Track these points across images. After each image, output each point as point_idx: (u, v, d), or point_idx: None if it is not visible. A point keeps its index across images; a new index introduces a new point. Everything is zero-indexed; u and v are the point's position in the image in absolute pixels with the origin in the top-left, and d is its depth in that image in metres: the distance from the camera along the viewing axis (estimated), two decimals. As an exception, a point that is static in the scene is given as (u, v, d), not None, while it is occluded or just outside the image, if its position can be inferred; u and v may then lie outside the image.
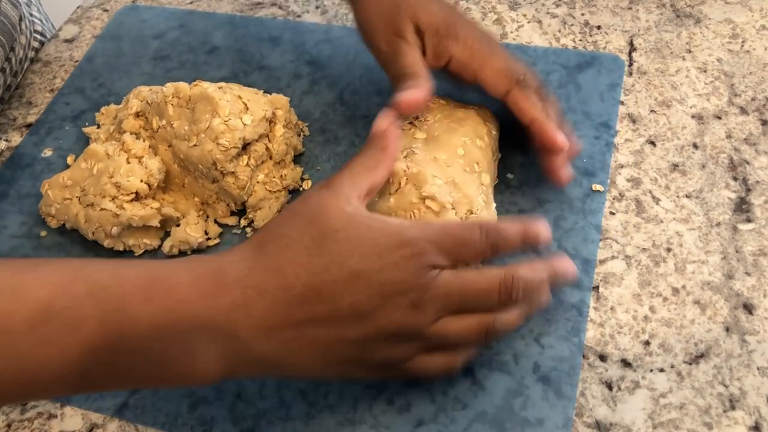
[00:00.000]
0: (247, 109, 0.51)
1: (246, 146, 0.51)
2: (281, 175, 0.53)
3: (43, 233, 0.55)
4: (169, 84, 0.53)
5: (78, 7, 0.74)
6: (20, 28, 0.66)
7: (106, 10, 0.73)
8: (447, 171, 0.46)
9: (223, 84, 0.52)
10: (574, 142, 0.51)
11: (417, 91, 0.48)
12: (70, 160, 0.58)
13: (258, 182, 0.52)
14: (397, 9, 0.51)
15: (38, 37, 0.72)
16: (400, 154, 0.47)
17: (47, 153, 0.60)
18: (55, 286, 0.36)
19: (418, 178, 0.45)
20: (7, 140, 0.62)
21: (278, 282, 0.38)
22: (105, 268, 0.38)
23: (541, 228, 0.43)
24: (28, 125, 0.63)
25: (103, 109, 0.60)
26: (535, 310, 0.44)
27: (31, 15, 0.73)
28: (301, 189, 0.55)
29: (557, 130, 0.49)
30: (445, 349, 0.42)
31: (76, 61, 0.68)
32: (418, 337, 0.40)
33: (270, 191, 0.53)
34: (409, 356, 0.41)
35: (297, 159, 0.57)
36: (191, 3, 0.72)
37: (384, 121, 0.45)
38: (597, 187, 0.52)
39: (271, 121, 0.53)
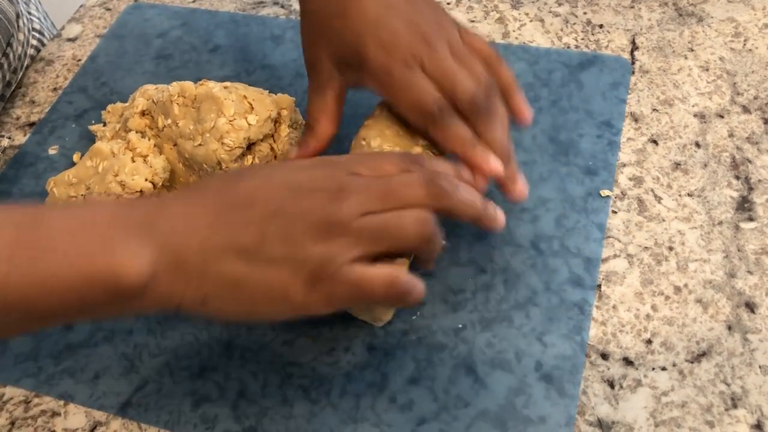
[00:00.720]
0: (252, 109, 0.51)
1: (251, 146, 0.51)
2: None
3: (47, 232, 0.55)
4: (174, 83, 0.53)
5: (81, 6, 0.74)
6: (18, 25, 0.67)
7: (108, 9, 0.73)
8: None
9: (228, 84, 0.52)
10: (511, 170, 0.48)
11: (295, 151, 0.50)
12: (76, 157, 0.59)
13: (262, 182, 0.52)
14: (319, 35, 0.49)
15: (36, 35, 0.72)
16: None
17: (52, 151, 0.60)
18: None
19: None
20: (10, 139, 0.63)
21: (194, 188, 0.40)
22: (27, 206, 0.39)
23: (490, 165, 0.44)
24: (32, 124, 0.63)
25: (109, 107, 0.60)
26: (478, 212, 0.43)
27: (29, 13, 0.73)
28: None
29: (484, 157, 0.45)
30: (382, 251, 0.40)
31: (79, 59, 0.68)
32: (344, 232, 0.38)
33: (273, 190, 0.53)
34: (341, 256, 0.38)
35: (300, 158, 0.57)
36: (194, 2, 0.72)
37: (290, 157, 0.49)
38: (606, 192, 0.52)
39: (276, 121, 0.53)
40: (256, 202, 0.38)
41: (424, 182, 0.40)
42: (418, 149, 0.47)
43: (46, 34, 0.74)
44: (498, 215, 0.44)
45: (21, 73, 0.67)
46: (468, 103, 0.45)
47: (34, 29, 0.72)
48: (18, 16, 0.67)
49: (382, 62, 0.46)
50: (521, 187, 0.48)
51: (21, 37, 0.67)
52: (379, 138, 0.48)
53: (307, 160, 0.41)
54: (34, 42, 0.71)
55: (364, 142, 0.48)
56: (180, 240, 0.37)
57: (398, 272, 0.40)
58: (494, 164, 0.45)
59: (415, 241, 0.40)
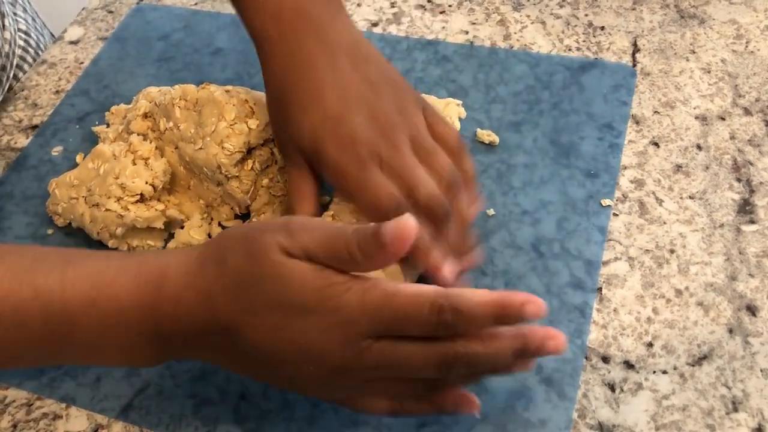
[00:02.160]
0: (254, 113, 0.51)
1: (251, 150, 0.51)
2: (285, 180, 0.54)
3: (50, 231, 0.55)
4: (177, 86, 0.53)
5: (83, 8, 0.74)
6: (3, 24, 0.67)
7: (110, 12, 0.73)
8: None
9: (230, 87, 0.52)
10: (468, 260, 0.46)
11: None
12: (79, 158, 0.59)
13: (262, 187, 0.52)
14: (281, 119, 0.47)
15: (23, 35, 0.72)
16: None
17: (56, 152, 0.60)
18: (3, 288, 0.38)
19: None
20: (12, 141, 0.63)
21: (206, 307, 0.38)
22: (55, 269, 0.39)
23: (526, 301, 0.36)
24: (34, 127, 0.64)
25: (113, 109, 0.61)
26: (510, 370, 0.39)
27: (15, 14, 0.74)
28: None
29: (440, 261, 0.43)
30: (386, 390, 0.40)
31: (81, 62, 0.68)
32: (348, 389, 0.40)
33: (274, 196, 0.53)
34: (342, 397, 0.41)
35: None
36: (195, 4, 0.72)
37: None
38: (606, 202, 0.52)
39: (277, 126, 0.53)
40: (258, 356, 0.38)
41: (440, 369, 0.37)
42: None
43: (32, 35, 0.74)
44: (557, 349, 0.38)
45: (10, 72, 0.67)
46: (425, 205, 0.43)
47: (20, 29, 0.72)
48: (4, 16, 0.67)
49: (338, 162, 0.44)
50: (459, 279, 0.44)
51: (7, 35, 0.67)
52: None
53: (322, 302, 0.36)
54: (21, 42, 0.71)
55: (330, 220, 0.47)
56: (195, 356, 0.42)
57: (401, 406, 0.41)
58: (446, 271, 0.43)
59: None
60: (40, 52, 0.74)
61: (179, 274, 0.39)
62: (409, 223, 0.36)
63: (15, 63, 0.69)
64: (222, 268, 0.38)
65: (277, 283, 0.36)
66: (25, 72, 0.70)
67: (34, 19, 0.78)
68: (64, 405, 0.47)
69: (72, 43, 0.71)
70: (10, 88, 0.67)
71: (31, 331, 0.38)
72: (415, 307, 0.36)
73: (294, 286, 0.36)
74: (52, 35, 0.82)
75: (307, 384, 0.40)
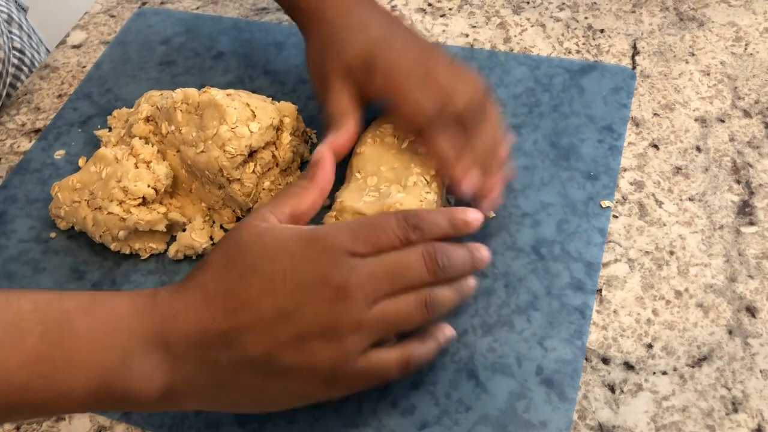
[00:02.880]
0: (255, 116, 0.51)
1: (252, 153, 0.51)
2: (287, 183, 0.54)
3: (53, 234, 0.56)
4: (178, 89, 0.53)
5: (85, 13, 0.75)
6: None
7: (113, 16, 0.74)
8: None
9: (231, 91, 0.52)
10: (492, 183, 0.48)
11: (335, 137, 0.49)
12: (81, 162, 0.59)
13: (264, 189, 0.53)
14: (326, 49, 0.51)
15: (17, 54, 0.73)
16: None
17: (58, 156, 0.61)
18: (1, 301, 0.38)
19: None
20: (15, 145, 0.63)
21: (199, 297, 0.39)
22: (51, 291, 0.41)
23: (469, 213, 0.43)
24: (37, 130, 0.64)
25: (115, 113, 0.61)
26: (465, 289, 0.43)
27: (11, 32, 0.74)
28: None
29: (465, 173, 0.47)
30: (391, 338, 0.41)
31: (84, 66, 0.69)
32: (356, 328, 0.39)
33: (275, 198, 0.53)
34: (355, 352, 0.39)
35: (304, 166, 0.57)
36: (197, 8, 0.72)
37: (320, 152, 0.47)
38: (606, 203, 0.53)
39: (278, 129, 0.53)
40: (261, 308, 0.38)
41: (424, 262, 0.40)
42: (413, 178, 0.48)
43: (27, 53, 0.75)
44: (485, 259, 0.44)
45: (3, 91, 0.68)
46: (463, 108, 0.47)
47: (14, 48, 0.73)
48: None
49: (393, 60, 0.48)
50: (493, 196, 0.48)
51: (1, 54, 0.68)
52: (376, 177, 0.49)
53: (303, 240, 0.40)
54: (15, 61, 0.72)
55: (359, 175, 0.49)
56: (193, 361, 0.39)
57: (411, 351, 0.41)
58: (469, 183, 0.47)
59: (422, 322, 0.41)
60: (34, 70, 0.74)
61: (169, 288, 0.41)
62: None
63: (8, 81, 0.70)
64: (206, 265, 0.41)
65: (259, 241, 0.40)
66: (17, 89, 0.70)
67: (30, 37, 0.78)
68: (67, 407, 0.48)
69: (74, 47, 0.71)
70: (2, 105, 0.68)
71: (28, 346, 0.37)
72: (383, 217, 0.42)
73: (273, 239, 0.40)
74: (48, 51, 0.82)
75: (314, 358, 0.39)
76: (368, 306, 0.39)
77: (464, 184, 0.47)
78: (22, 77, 0.72)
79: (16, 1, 0.81)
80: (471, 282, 0.43)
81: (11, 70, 0.71)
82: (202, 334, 0.39)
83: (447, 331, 0.43)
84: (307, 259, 0.39)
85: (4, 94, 0.68)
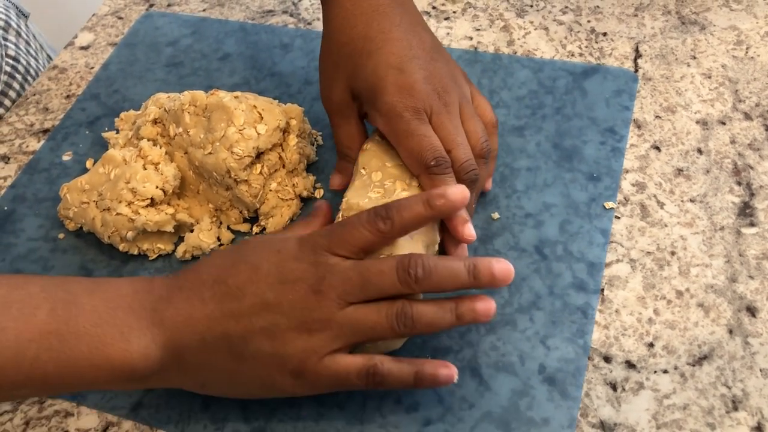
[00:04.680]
0: (262, 118, 0.52)
1: (259, 155, 0.52)
2: (293, 184, 0.55)
3: (61, 235, 0.56)
4: (186, 92, 0.54)
5: (93, 14, 0.75)
6: None
7: (120, 18, 0.74)
8: None
9: (238, 93, 0.53)
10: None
11: (338, 179, 0.53)
12: (89, 164, 0.60)
13: (271, 190, 0.53)
14: (339, 64, 0.51)
15: (10, 62, 0.74)
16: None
17: (66, 157, 0.61)
18: (11, 284, 0.42)
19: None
20: (24, 145, 0.64)
21: (194, 279, 0.43)
22: (56, 276, 0.45)
23: (448, 190, 0.42)
24: (45, 131, 0.65)
25: (122, 115, 0.62)
26: (466, 313, 0.41)
27: (5, 39, 0.75)
28: (313, 197, 0.56)
29: (463, 224, 0.45)
30: (360, 342, 0.42)
31: (92, 67, 0.69)
32: (326, 326, 0.41)
33: (282, 199, 0.54)
34: (323, 349, 0.41)
35: (310, 167, 0.58)
36: (204, 11, 0.73)
37: (319, 205, 0.50)
38: (610, 204, 0.53)
39: (285, 131, 0.54)
40: (245, 296, 0.41)
41: (397, 273, 0.41)
42: (414, 183, 0.48)
43: (21, 60, 0.75)
44: (498, 275, 0.42)
45: None
46: (459, 167, 0.47)
47: (8, 55, 0.74)
48: None
49: (396, 105, 0.47)
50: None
51: None
52: (380, 172, 0.49)
53: (292, 241, 0.43)
54: (8, 69, 0.73)
55: (364, 172, 0.50)
56: (182, 337, 0.42)
57: (375, 362, 0.42)
58: (468, 233, 0.45)
59: (391, 333, 0.41)
60: (29, 78, 0.75)
61: (168, 275, 0.45)
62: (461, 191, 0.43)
63: (0, 89, 0.71)
64: (204, 259, 0.45)
65: (256, 241, 0.44)
66: (9, 97, 0.71)
67: (28, 44, 0.79)
68: (75, 403, 0.48)
69: (82, 48, 0.72)
70: (12, 106, 0.69)
71: (38, 321, 0.40)
72: (356, 216, 0.43)
73: (267, 240, 0.44)
74: (50, 57, 0.83)
75: (285, 347, 0.41)
76: (340, 307, 0.41)
77: (460, 236, 0.45)
78: (15, 85, 0.73)
79: (16, 7, 0.82)
80: (480, 306, 0.41)
81: (3, 77, 0.72)
82: (192, 311, 0.42)
83: (441, 370, 0.42)
84: (292, 256, 0.42)
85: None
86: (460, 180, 0.47)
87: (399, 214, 0.42)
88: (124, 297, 0.42)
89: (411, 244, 0.44)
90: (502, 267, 0.41)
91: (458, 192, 0.42)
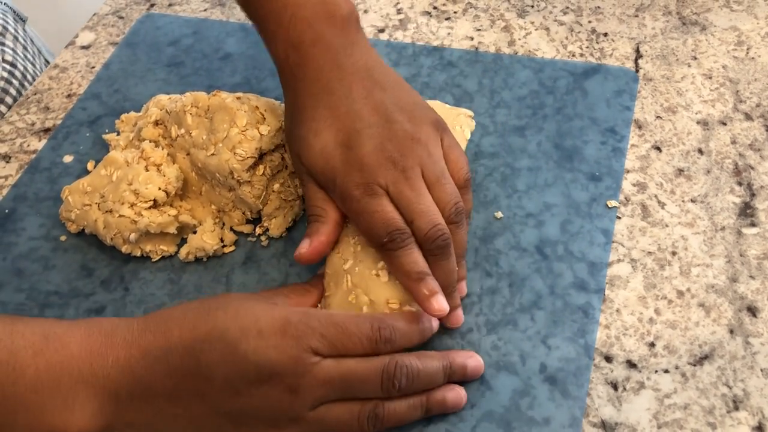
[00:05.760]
0: (264, 119, 0.52)
1: (262, 156, 0.52)
2: (296, 185, 0.55)
3: (63, 237, 0.56)
4: (188, 93, 0.54)
5: (94, 14, 0.75)
6: None
7: (121, 18, 0.74)
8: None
9: (241, 94, 0.53)
10: (452, 296, 0.46)
11: (307, 244, 0.47)
12: (90, 166, 0.60)
13: (273, 191, 0.53)
14: (293, 144, 0.49)
15: (7, 67, 0.74)
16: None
17: (68, 159, 0.61)
18: None
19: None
20: (25, 144, 0.64)
21: (161, 343, 0.40)
22: (4, 324, 0.40)
23: (431, 307, 0.43)
24: (46, 130, 0.65)
25: (123, 117, 0.62)
26: (434, 404, 0.43)
27: (3, 44, 0.75)
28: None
29: (428, 297, 0.44)
30: None
31: (93, 67, 0.70)
32: (295, 422, 0.40)
33: (285, 200, 0.54)
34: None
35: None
36: (205, 11, 0.73)
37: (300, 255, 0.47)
38: (612, 203, 0.53)
39: (287, 132, 0.54)
40: (214, 378, 0.39)
41: (381, 380, 0.41)
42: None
43: (19, 65, 0.75)
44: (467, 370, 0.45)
45: None
46: (423, 239, 0.45)
47: (5, 60, 0.74)
48: None
49: (346, 185, 0.46)
50: (456, 319, 0.47)
51: None
52: (351, 260, 0.48)
53: (276, 323, 0.40)
54: (5, 74, 0.73)
55: (333, 288, 0.48)
56: (136, 410, 0.39)
57: None
58: (433, 306, 0.44)
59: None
60: (26, 83, 0.75)
61: (130, 323, 0.41)
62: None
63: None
64: (176, 310, 0.42)
65: (234, 308, 0.41)
66: (6, 103, 0.71)
67: (25, 48, 0.79)
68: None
69: (83, 47, 0.72)
70: (13, 104, 0.69)
71: None
72: (356, 322, 0.42)
73: (248, 311, 0.41)
74: (47, 62, 0.83)
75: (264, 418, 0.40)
76: (312, 407, 0.40)
77: (429, 309, 0.44)
78: (12, 90, 0.73)
79: (14, 11, 0.82)
80: (450, 397, 0.43)
81: (0, 83, 0.72)
82: (153, 383, 0.39)
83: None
84: (272, 344, 0.39)
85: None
86: (427, 251, 0.45)
87: (401, 343, 0.43)
88: (73, 360, 0.39)
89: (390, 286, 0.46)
90: (475, 365, 0.45)
91: (441, 308, 0.44)
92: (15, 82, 0.74)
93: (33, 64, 0.78)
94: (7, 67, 0.74)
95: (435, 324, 0.46)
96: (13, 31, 0.78)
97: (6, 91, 0.72)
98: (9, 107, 0.71)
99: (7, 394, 0.37)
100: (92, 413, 0.38)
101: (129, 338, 0.40)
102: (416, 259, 0.45)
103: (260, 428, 0.40)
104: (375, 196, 0.45)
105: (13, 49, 0.76)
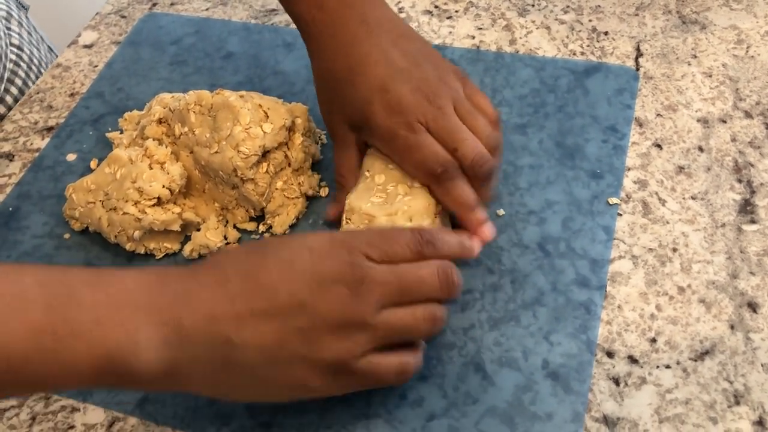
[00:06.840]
0: (267, 117, 0.52)
1: (265, 154, 0.52)
2: (299, 182, 0.55)
3: (66, 235, 0.56)
4: (191, 92, 0.54)
5: (96, 13, 0.76)
6: None
7: (123, 17, 0.75)
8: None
9: (244, 92, 0.53)
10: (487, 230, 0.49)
11: (333, 208, 0.53)
12: (93, 164, 0.60)
13: (277, 189, 0.54)
14: (329, 104, 0.52)
15: (15, 50, 0.74)
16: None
17: (71, 157, 0.62)
18: (3, 274, 0.38)
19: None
20: (29, 143, 0.64)
21: (217, 276, 0.40)
22: (55, 266, 0.40)
23: (475, 242, 0.46)
24: (49, 128, 0.65)
25: (126, 115, 0.62)
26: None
27: (9, 29, 0.76)
28: (318, 195, 0.56)
29: (478, 223, 0.48)
30: (394, 346, 0.42)
31: (96, 66, 0.70)
32: (363, 328, 0.40)
33: (288, 198, 0.54)
34: (358, 352, 0.40)
35: (314, 166, 0.58)
36: (207, 10, 0.73)
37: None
38: (614, 200, 0.54)
39: (291, 130, 0.54)
40: (278, 295, 0.39)
41: (437, 279, 0.42)
42: (416, 184, 0.49)
43: (25, 49, 0.76)
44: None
45: (1, 86, 0.70)
46: (471, 163, 0.48)
47: (12, 44, 0.75)
48: None
49: (388, 126, 0.48)
50: (491, 231, 0.50)
51: None
52: (383, 175, 0.50)
53: (323, 239, 0.41)
54: (13, 57, 0.74)
55: (368, 174, 0.51)
56: (202, 338, 0.38)
57: (408, 359, 0.43)
58: (485, 233, 0.48)
59: (427, 335, 0.43)
60: (33, 66, 0.76)
61: (181, 267, 0.42)
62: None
63: (6, 77, 0.71)
64: (224, 253, 0.43)
65: (284, 238, 0.46)
66: (16, 84, 0.72)
67: (30, 34, 0.79)
68: (81, 398, 0.48)
69: (86, 46, 0.72)
70: (2, 100, 0.69)
71: (31, 318, 0.36)
72: (398, 230, 0.44)
73: (297, 237, 0.43)
74: (50, 49, 0.83)
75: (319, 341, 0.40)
76: (377, 310, 0.40)
77: (478, 234, 0.48)
78: (20, 73, 0.73)
79: (16, 0, 0.82)
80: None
81: (9, 65, 0.72)
82: (217, 313, 0.38)
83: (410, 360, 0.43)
84: (326, 255, 0.40)
85: (2, 89, 0.70)
86: (474, 179, 0.48)
87: (442, 247, 0.43)
88: (130, 291, 0.38)
89: None
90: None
91: (487, 237, 0.48)
92: (23, 65, 0.74)
93: (38, 49, 0.79)
94: (15, 50, 0.74)
95: (474, 243, 0.47)
96: (17, 17, 0.79)
97: (15, 73, 0.73)
98: (19, 89, 0.72)
99: (69, 326, 0.36)
100: (156, 346, 0.37)
101: (183, 274, 0.40)
102: (466, 189, 0.48)
103: (331, 342, 0.39)
104: (420, 132, 0.48)
105: (18, 34, 0.77)
